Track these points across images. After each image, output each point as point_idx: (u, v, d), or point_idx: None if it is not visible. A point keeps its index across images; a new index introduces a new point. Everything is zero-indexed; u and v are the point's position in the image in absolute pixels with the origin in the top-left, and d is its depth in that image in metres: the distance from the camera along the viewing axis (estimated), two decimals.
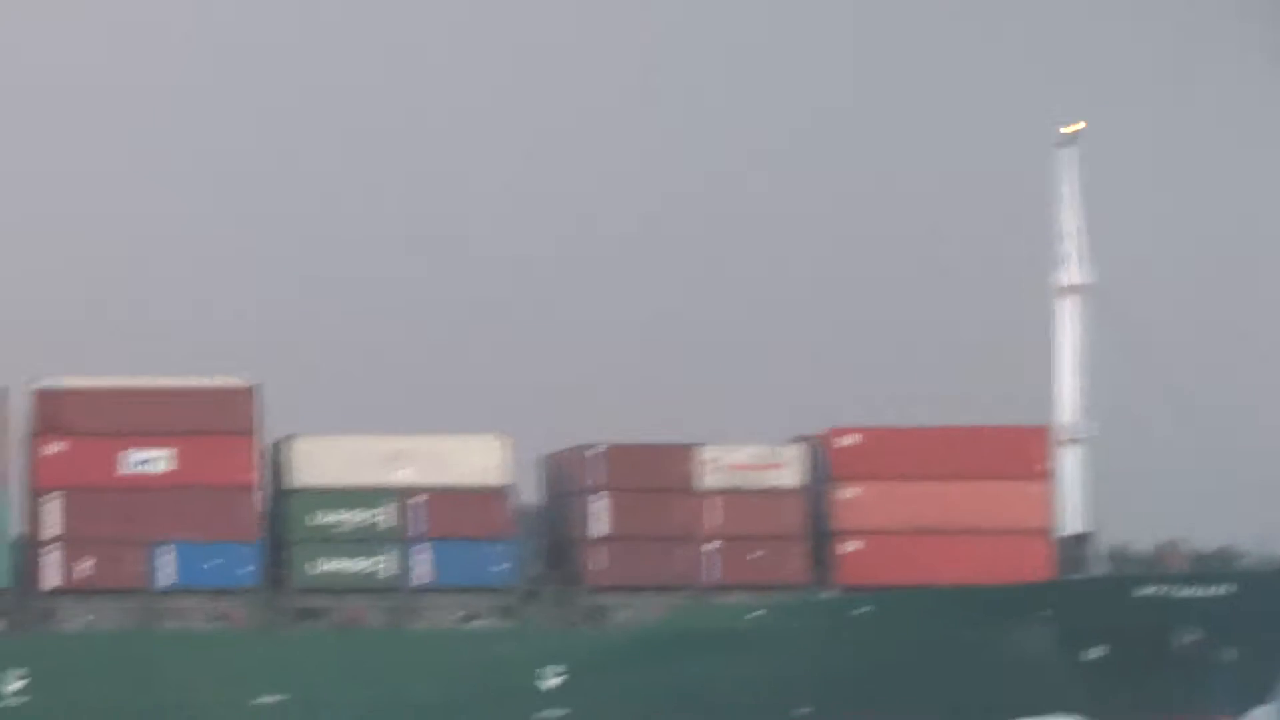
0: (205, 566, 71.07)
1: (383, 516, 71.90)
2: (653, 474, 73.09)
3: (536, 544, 74.48)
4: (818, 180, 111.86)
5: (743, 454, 74.01)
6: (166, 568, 71.49)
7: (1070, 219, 78.45)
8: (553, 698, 71.62)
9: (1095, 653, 72.96)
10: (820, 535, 73.50)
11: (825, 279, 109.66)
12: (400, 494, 72.28)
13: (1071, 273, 78.28)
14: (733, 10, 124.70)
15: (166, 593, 71.36)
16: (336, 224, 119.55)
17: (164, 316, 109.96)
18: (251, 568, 71.17)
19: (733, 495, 73.01)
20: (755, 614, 71.89)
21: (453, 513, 71.72)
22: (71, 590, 71.18)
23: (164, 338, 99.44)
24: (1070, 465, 76.32)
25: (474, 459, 72.41)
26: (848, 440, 74.27)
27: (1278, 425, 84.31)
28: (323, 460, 72.31)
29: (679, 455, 73.61)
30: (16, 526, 71.99)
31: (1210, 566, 75.47)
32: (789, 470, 73.77)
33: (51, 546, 71.45)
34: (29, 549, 71.52)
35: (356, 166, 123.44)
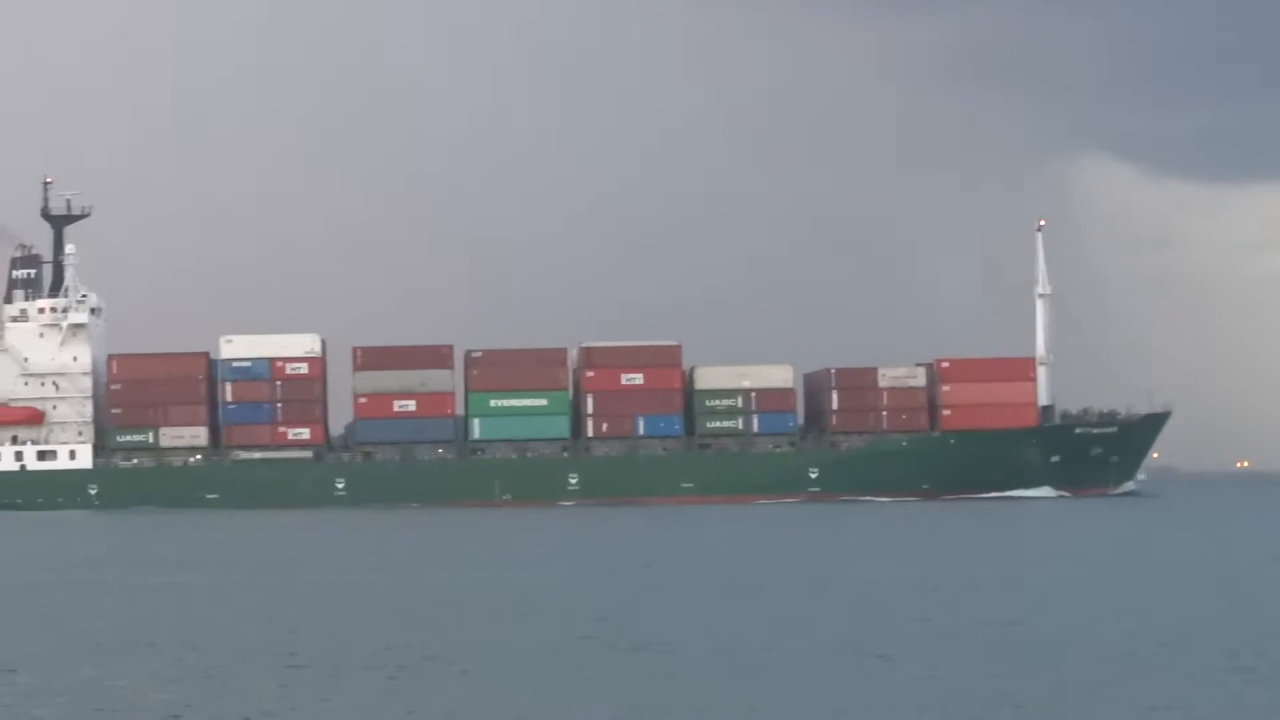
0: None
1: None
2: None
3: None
4: None
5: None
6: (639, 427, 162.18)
7: None
8: (812, 480, 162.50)
9: (1055, 458, 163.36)
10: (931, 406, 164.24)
11: None
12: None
13: None
14: None
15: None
16: None
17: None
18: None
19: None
20: (903, 443, 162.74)
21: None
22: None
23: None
24: (1043, 376, 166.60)
25: None
26: None
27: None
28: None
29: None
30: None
31: (1106, 419, 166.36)
32: None
33: (588, 417, 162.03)
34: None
35: None
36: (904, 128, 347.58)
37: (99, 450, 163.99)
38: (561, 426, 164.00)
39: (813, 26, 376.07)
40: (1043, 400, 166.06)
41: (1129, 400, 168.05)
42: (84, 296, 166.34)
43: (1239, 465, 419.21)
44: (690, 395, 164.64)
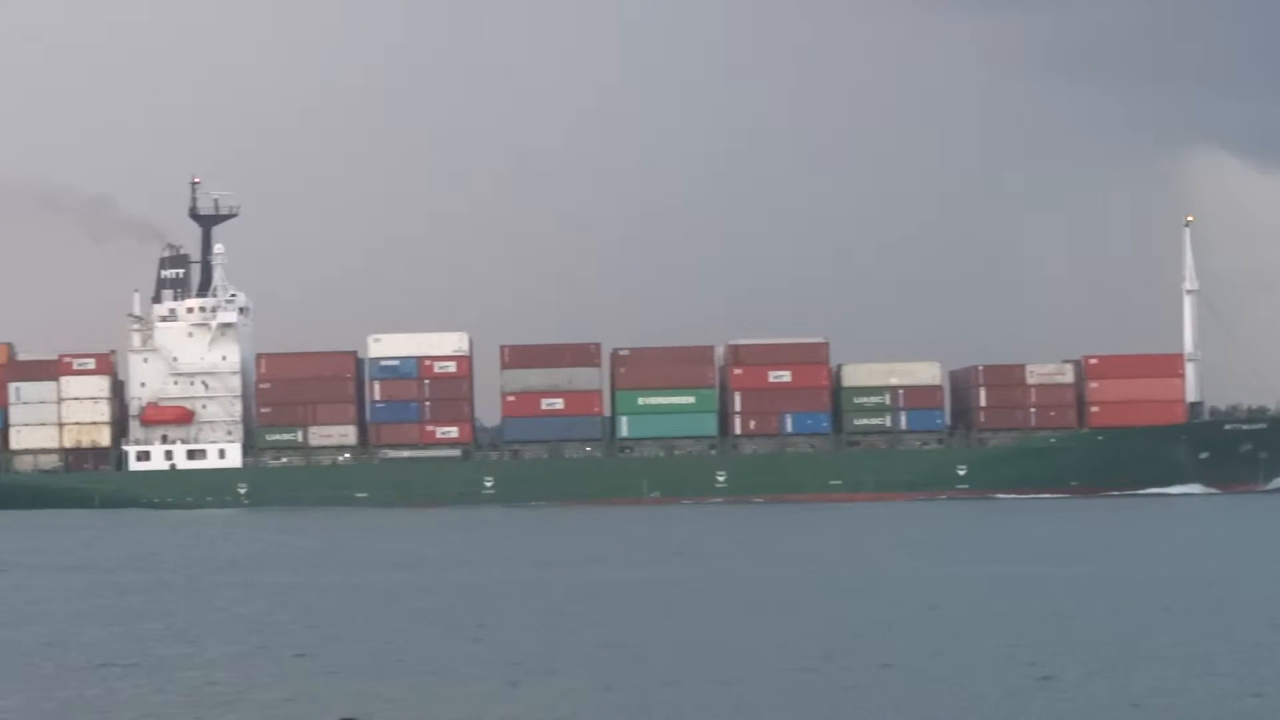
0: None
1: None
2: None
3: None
4: None
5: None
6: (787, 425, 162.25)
7: None
8: (960, 478, 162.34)
9: (1203, 455, 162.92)
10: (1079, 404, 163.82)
11: None
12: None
13: None
14: None
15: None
16: None
17: None
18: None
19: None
20: (1051, 440, 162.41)
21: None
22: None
23: None
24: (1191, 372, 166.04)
25: None
26: None
27: None
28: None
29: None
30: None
31: (1255, 415, 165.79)
32: None
33: (735, 415, 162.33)
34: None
35: None
36: (1028, 119, 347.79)
37: (248, 449, 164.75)
38: (709, 424, 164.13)
39: (937, 19, 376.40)
40: (1191, 397, 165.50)
41: (1279, 396, 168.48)
42: (233, 296, 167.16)
43: None
44: (838, 392, 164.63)
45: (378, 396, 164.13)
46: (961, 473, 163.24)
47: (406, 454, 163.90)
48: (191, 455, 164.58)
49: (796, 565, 79.12)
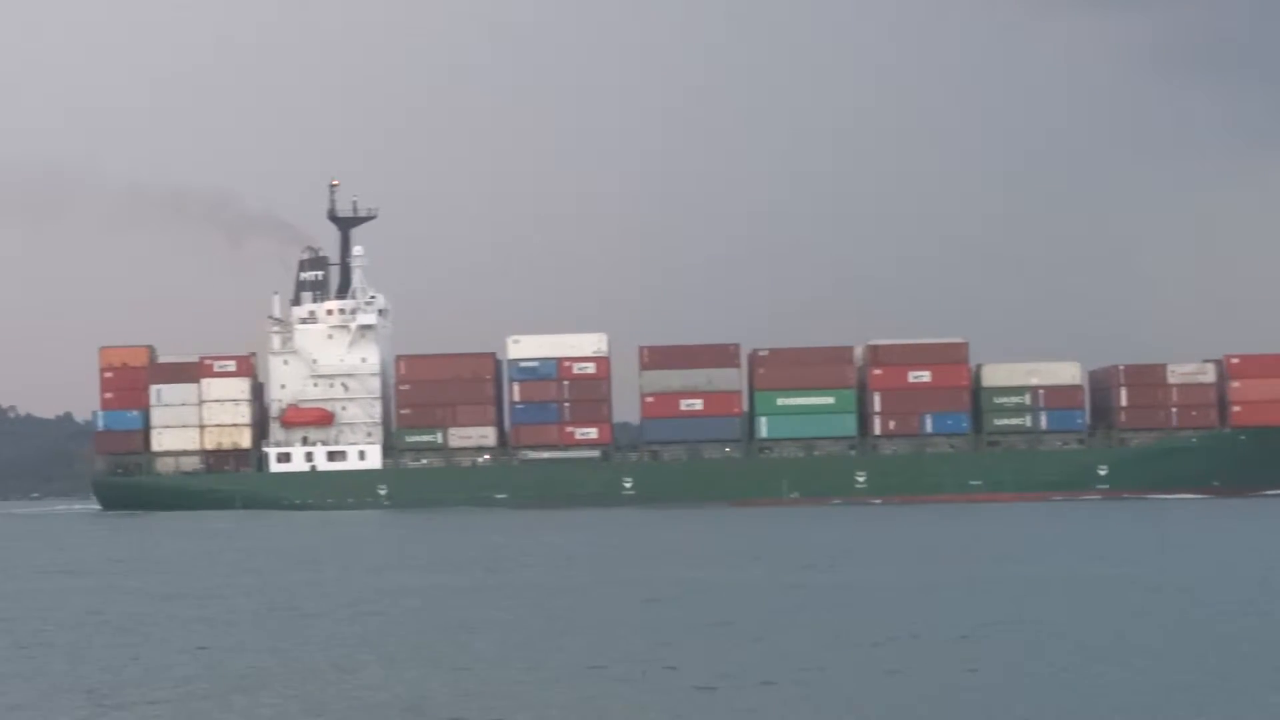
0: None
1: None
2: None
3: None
4: None
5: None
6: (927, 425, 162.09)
7: None
8: (1101, 478, 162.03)
9: None
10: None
11: None
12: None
13: None
14: None
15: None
16: None
17: None
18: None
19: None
20: (1193, 440, 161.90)
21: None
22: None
23: None
24: None
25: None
26: None
27: None
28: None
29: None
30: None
31: None
32: None
33: (875, 415, 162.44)
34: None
35: None
36: (1151, 119, 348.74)
37: (387, 450, 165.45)
38: (849, 424, 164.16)
39: (1035, 19, 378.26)
40: None
41: None
42: (372, 298, 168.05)
43: None
44: (978, 392, 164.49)
45: (517, 398, 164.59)
46: (1103, 473, 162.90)
47: (546, 455, 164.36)
48: (332, 457, 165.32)
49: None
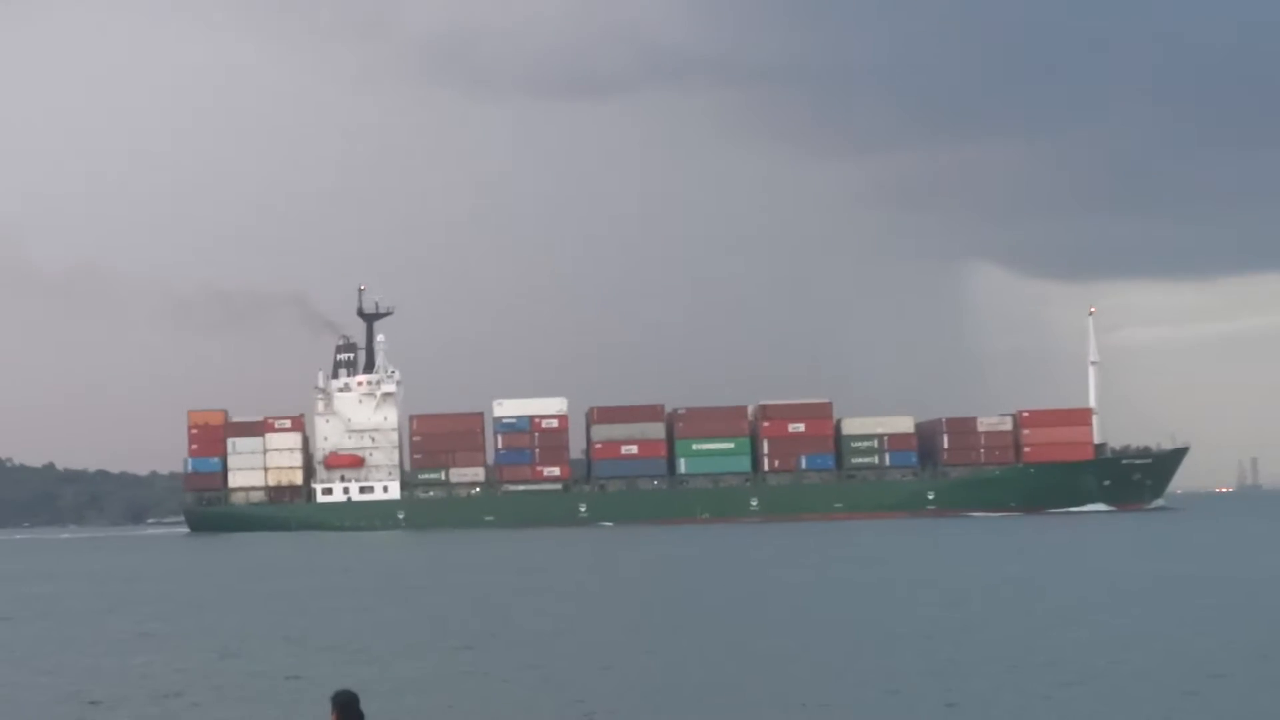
0: None
1: None
2: None
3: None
4: None
5: None
6: (803, 463, 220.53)
7: None
8: (930, 501, 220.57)
9: (1106, 482, 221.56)
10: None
11: None
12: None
13: None
14: None
15: None
16: None
17: None
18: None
19: None
20: (996, 473, 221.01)
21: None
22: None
23: None
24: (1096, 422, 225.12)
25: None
26: None
27: None
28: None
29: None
30: None
31: (1142, 452, 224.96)
32: None
33: (764, 456, 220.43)
34: None
35: None
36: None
37: (404, 485, 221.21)
38: (745, 463, 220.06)
39: (791, 166, 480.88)
40: (1097, 439, 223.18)
41: (1158, 438, 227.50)
42: (391, 372, 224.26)
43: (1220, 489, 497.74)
44: (839, 439, 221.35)
45: (500, 445, 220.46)
46: (931, 497, 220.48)
47: (522, 488, 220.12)
48: (363, 491, 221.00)
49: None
